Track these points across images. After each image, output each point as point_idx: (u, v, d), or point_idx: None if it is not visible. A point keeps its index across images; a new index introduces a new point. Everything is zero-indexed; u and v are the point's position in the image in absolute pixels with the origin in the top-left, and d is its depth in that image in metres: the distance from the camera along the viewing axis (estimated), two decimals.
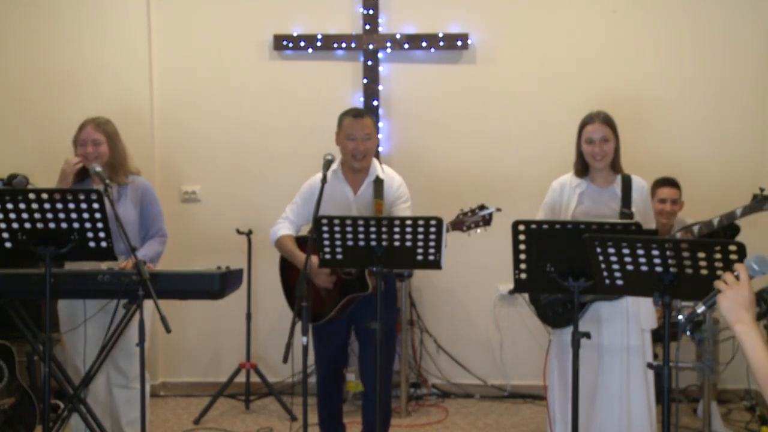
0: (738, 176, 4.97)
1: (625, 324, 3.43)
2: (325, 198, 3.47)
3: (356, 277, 3.58)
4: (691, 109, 5.14)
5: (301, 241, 3.70)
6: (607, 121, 3.55)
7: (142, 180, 3.85)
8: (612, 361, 3.41)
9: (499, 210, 3.63)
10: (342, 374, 3.98)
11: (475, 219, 3.62)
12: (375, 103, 5.20)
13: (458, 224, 3.62)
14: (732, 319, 1.87)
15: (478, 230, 3.63)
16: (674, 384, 2.49)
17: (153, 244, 3.76)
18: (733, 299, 1.88)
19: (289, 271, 3.79)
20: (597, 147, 3.51)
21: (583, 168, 3.60)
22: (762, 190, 3.73)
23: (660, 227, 4.19)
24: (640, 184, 3.59)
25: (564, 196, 3.64)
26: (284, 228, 3.73)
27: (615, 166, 3.59)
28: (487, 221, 3.62)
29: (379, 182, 3.71)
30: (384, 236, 3.10)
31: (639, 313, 3.45)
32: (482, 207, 3.61)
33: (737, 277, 1.89)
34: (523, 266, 3.08)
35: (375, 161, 3.77)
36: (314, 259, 3.41)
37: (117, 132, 3.80)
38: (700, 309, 2.02)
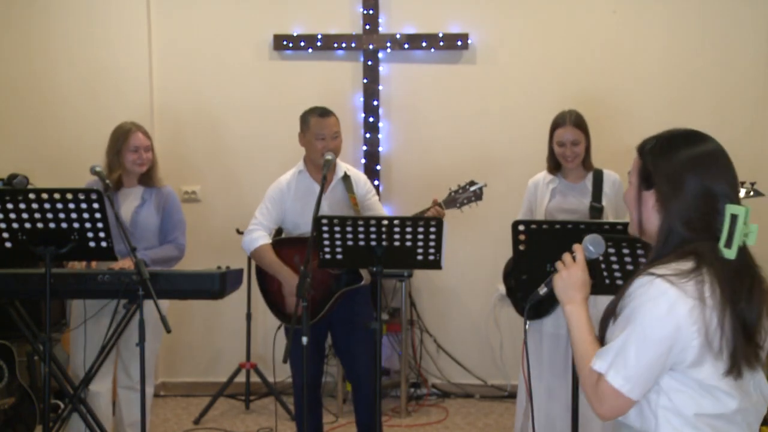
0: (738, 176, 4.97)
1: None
2: (295, 198, 3.47)
3: (346, 270, 3.57)
4: (690, 109, 5.13)
5: (296, 242, 3.67)
6: (578, 124, 3.63)
7: (169, 188, 3.88)
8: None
9: (485, 185, 3.73)
10: (320, 383, 3.85)
11: (467, 195, 3.70)
12: (375, 103, 5.20)
13: (451, 202, 3.68)
14: (564, 299, 1.89)
15: (470, 206, 3.71)
16: None
17: (158, 249, 3.74)
18: (566, 279, 1.90)
19: (267, 278, 3.72)
20: (568, 150, 3.62)
21: (555, 165, 3.71)
22: None
23: None
24: (612, 178, 3.69)
25: (537, 193, 3.75)
26: (261, 237, 3.66)
27: (586, 164, 3.70)
28: (478, 196, 3.71)
29: (347, 178, 3.74)
30: (384, 236, 3.10)
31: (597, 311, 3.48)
32: (472, 183, 3.71)
33: (575, 258, 1.91)
34: (523, 266, 3.08)
35: (338, 159, 3.77)
36: (290, 274, 3.45)
37: None
38: (542, 291, 2.01)
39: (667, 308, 1.67)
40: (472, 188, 3.69)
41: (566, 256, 1.93)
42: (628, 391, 1.71)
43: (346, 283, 3.59)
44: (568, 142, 3.59)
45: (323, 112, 3.68)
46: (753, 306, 1.69)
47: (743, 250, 1.71)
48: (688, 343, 1.67)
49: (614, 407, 1.74)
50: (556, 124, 3.65)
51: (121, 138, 3.72)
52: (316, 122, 3.65)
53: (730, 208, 1.70)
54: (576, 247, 1.93)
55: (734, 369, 1.68)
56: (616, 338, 1.73)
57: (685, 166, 1.75)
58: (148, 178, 3.79)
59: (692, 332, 1.67)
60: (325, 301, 3.60)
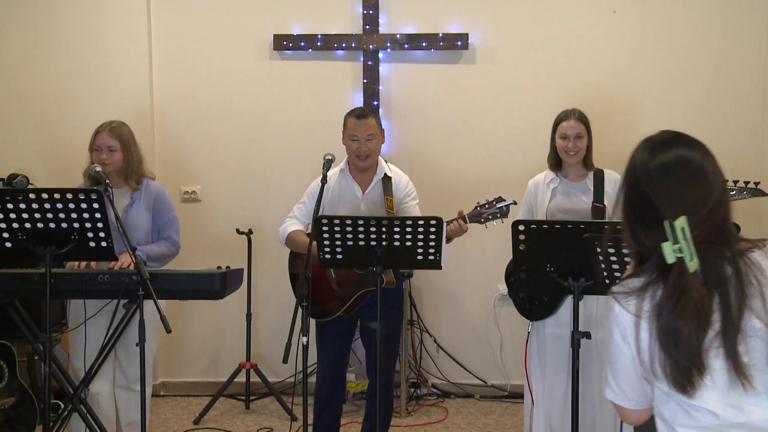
0: (737, 177, 4.97)
1: (593, 322, 3.47)
2: (333, 197, 3.48)
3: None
4: (690, 109, 5.14)
5: None
6: (582, 119, 3.68)
7: (156, 185, 3.84)
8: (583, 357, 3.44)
9: (515, 203, 3.70)
10: (344, 376, 3.94)
11: (492, 211, 3.68)
12: (375, 103, 5.20)
13: (476, 216, 3.66)
14: None
15: (495, 222, 3.69)
16: None
17: (154, 245, 3.74)
18: None
19: (299, 264, 3.76)
20: (571, 143, 3.63)
21: (556, 162, 3.74)
22: (725, 182, 3.82)
23: None
24: (613, 177, 3.71)
25: (538, 194, 3.77)
26: (292, 225, 3.74)
27: (587, 162, 3.72)
28: (504, 213, 3.69)
29: (387, 180, 3.76)
30: (384, 236, 3.10)
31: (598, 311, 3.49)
32: (500, 199, 3.69)
33: None
34: (523, 266, 3.08)
35: (381, 160, 3.81)
36: None
37: (132, 136, 3.79)
38: None
39: (615, 326, 1.70)
40: (499, 204, 3.66)
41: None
42: (619, 401, 1.77)
43: (369, 284, 3.60)
44: (572, 136, 3.61)
45: (360, 114, 3.73)
46: (685, 317, 1.57)
47: (702, 265, 1.61)
48: (642, 358, 1.66)
49: (624, 415, 1.80)
50: (560, 119, 3.70)
51: (92, 137, 3.74)
52: (352, 124, 3.70)
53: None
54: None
55: (679, 386, 1.60)
56: None
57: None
58: (126, 179, 3.74)
59: (635, 348, 1.66)
60: (348, 299, 3.64)
